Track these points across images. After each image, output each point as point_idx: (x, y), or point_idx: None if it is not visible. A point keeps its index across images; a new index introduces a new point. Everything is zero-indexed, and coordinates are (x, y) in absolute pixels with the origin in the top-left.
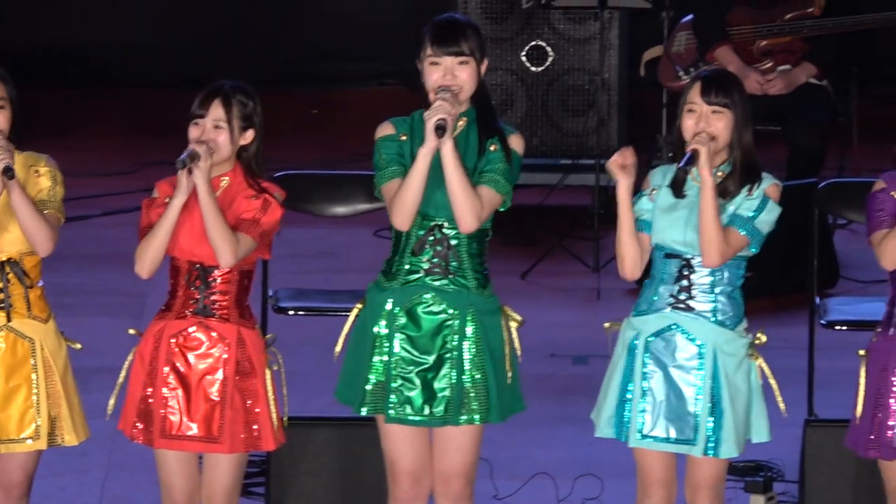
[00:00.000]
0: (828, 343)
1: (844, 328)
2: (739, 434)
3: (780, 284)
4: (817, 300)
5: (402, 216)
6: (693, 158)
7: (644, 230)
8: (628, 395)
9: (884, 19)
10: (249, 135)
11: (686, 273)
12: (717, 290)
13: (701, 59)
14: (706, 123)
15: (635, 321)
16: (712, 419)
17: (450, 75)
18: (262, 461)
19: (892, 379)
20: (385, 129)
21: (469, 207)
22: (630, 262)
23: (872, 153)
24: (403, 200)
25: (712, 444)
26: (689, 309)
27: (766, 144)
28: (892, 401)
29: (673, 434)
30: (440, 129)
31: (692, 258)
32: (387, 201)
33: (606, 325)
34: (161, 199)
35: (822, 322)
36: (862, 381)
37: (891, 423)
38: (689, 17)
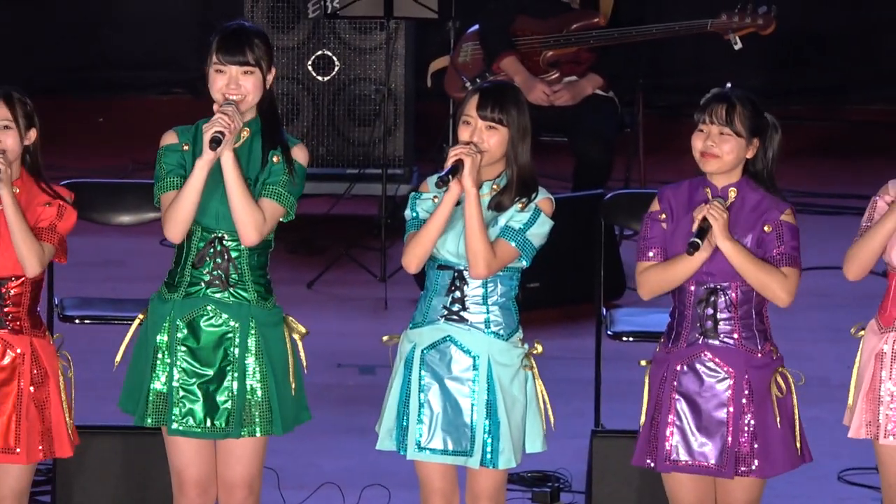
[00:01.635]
0: (614, 354)
1: (631, 339)
2: (517, 444)
3: (567, 295)
4: (604, 311)
5: (175, 228)
6: (456, 169)
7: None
8: (407, 408)
9: (669, 30)
10: (33, 134)
11: (458, 284)
12: (490, 301)
13: (487, 69)
14: (479, 138)
15: (411, 333)
16: (489, 430)
17: (234, 84)
18: (48, 469)
19: (673, 395)
20: (168, 139)
21: (250, 221)
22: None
23: (658, 164)
24: (177, 212)
25: (490, 455)
26: (463, 320)
27: (553, 155)
28: (671, 416)
29: (450, 446)
30: (215, 143)
31: (464, 269)
32: (162, 212)
33: (385, 338)
34: None
35: (609, 333)
36: (646, 391)
37: (668, 435)
38: (475, 27)
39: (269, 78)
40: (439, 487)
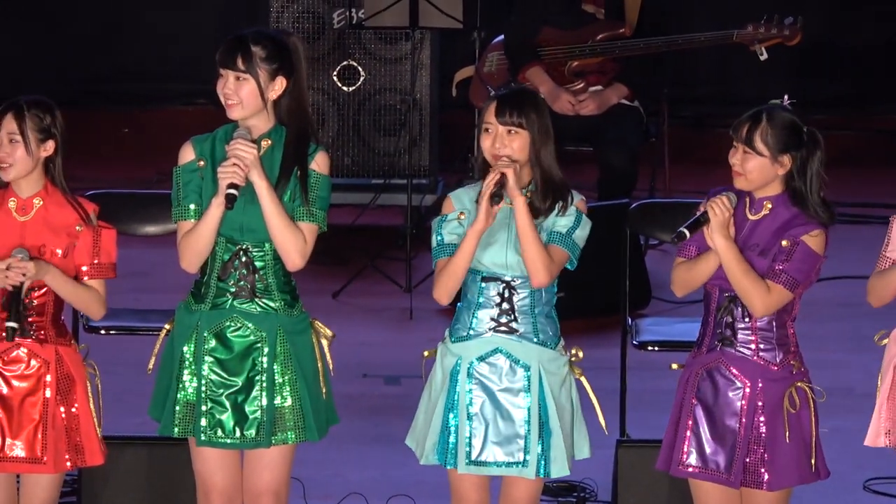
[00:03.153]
0: (640, 364)
1: (656, 349)
2: (568, 452)
3: (592, 305)
4: (629, 321)
5: (191, 261)
6: (503, 185)
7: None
8: (453, 422)
9: (694, 41)
10: (50, 145)
11: (507, 296)
12: (537, 310)
13: (513, 79)
14: (501, 144)
15: (455, 347)
16: (541, 440)
17: (229, 89)
18: (73, 480)
19: (692, 401)
20: (185, 156)
21: (293, 246)
22: None
23: (683, 174)
24: (193, 247)
25: (543, 465)
26: (513, 331)
27: (578, 165)
28: (689, 421)
29: (503, 458)
30: (230, 200)
31: (511, 280)
32: (178, 239)
33: (426, 353)
34: None
35: (635, 342)
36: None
37: (685, 440)
38: (501, 37)
39: (276, 86)
40: (474, 498)
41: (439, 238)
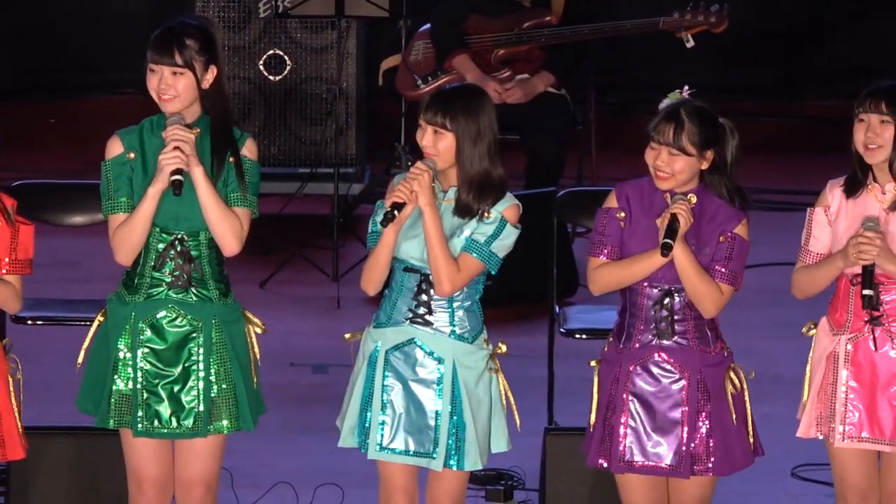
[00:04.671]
0: (567, 351)
1: (584, 336)
2: (482, 446)
3: (520, 293)
4: (557, 308)
5: (126, 254)
6: (396, 207)
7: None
8: (369, 407)
9: (621, 28)
10: None
11: (425, 288)
12: (456, 304)
13: (439, 67)
14: (429, 142)
15: (375, 333)
16: (454, 432)
17: (165, 84)
18: (1, 471)
19: (624, 395)
20: (113, 149)
21: (229, 231)
22: None
23: (610, 161)
24: (128, 239)
25: (454, 457)
26: (428, 324)
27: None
28: (624, 417)
29: (413, 447)
30: (177, 186)
31: (430, 274)
32: (111, 232)
33: (347, 335)
34: None
35: (562, 330)
36: (595, 390)
37: (621, 436)
38: (427, 25)
39: (209, 76)
40: (402, 485)
41: (373, 226)
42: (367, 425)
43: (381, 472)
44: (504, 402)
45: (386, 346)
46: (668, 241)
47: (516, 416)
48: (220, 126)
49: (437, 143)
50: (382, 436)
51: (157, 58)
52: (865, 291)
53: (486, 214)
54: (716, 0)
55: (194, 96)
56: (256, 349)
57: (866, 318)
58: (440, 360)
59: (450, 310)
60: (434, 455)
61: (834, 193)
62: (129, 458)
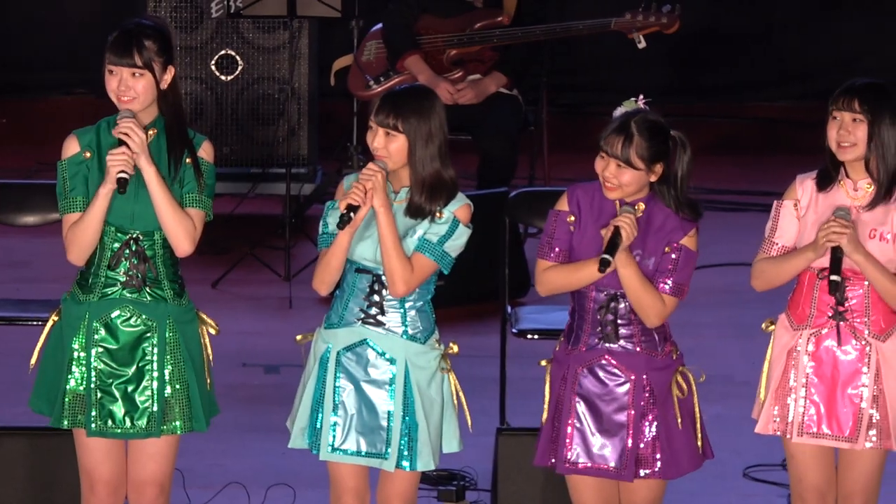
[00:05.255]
0: (519, 351)
1: (536, 337)
2: (435, 446)
3: (471, 293)
4: (509, 309)
5: (79, 253)
6: (354, 208)
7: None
8: (321, 408)
9: (573, 29)
10: None
11: (377, 288)
12: (408, 305)
13: (391, 68)
14: (380, 144)
15: (326, 333)
16: (406, 433)
17: (124, 86)
18: None
19: (571, 396)
20: (69, 149)
21: (182, 231)
22: None
23: (562, 162)
24: (80, 238)
25: (406, 457)
26: (380, 324)
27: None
28: (570, 418)
29: (364, 448)
30: (121, 184)
31: (382, 275)
32: (65, 232)
33: (298, 337)
34: None
35: (514, 330)
36: (547, 390)
37: (567, 437)
38: (379, 25)
39: (167, 77)
40: (352, 486)
41: (324, 227)
42: (318, 426)
43: (332, 473)
44: (456, 402)
45: (338, 347)
46: (607, 256)
47: (468, 417)
48: (175, 126)
49: (389, 144)
50: (335, 437)
51: (116, 59)
52: (833, 277)
53: (438, 215)
54: (667, 1)
55: (153, 97)
56: (210, 350)
57: (830, 314)
58: (392, 361)
59: (402, 310)
60: (386, 455)
61: (805, 187)
62: (81, 458)
